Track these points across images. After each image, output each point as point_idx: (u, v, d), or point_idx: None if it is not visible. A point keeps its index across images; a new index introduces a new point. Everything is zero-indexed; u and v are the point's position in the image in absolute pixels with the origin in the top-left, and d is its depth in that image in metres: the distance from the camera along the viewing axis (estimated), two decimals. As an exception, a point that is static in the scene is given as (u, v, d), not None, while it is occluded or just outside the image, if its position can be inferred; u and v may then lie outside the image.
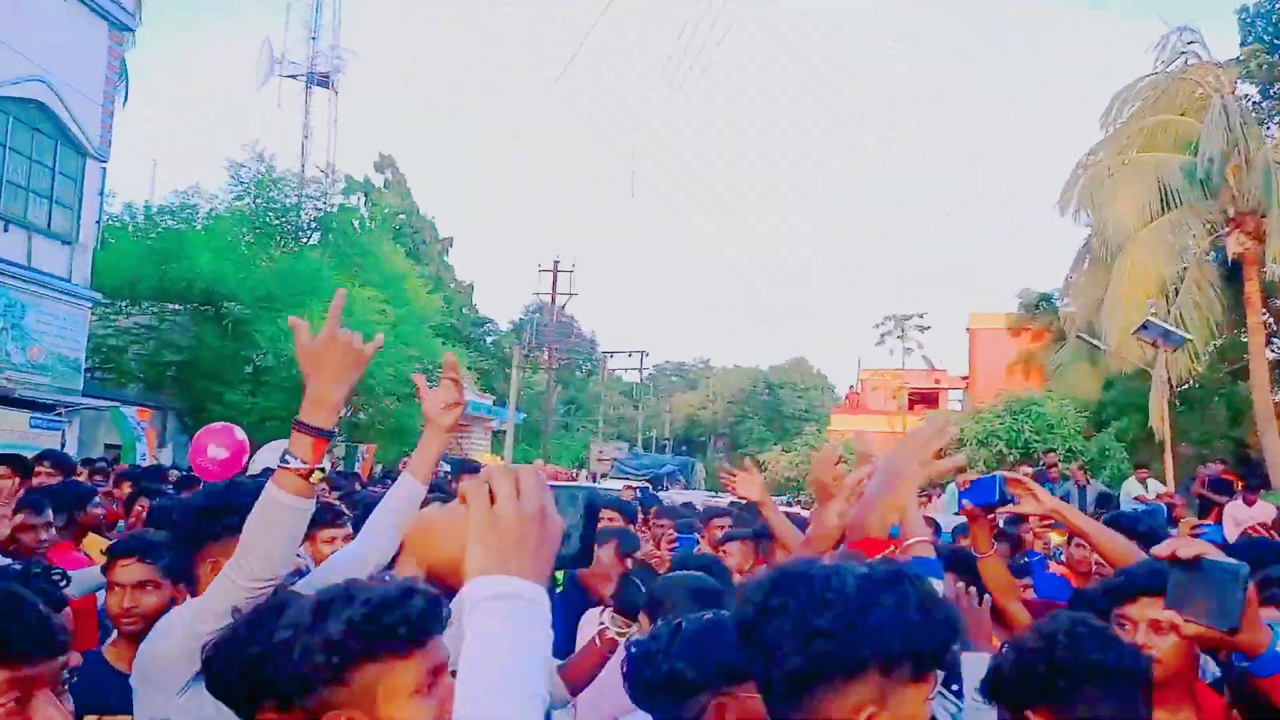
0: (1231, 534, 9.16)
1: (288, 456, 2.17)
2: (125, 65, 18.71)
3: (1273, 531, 8.21)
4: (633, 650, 1.96)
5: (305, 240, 26.44)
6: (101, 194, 17.65)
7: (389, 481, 7.86)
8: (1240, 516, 10.04)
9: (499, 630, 1.16)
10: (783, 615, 1.26)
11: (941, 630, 1.30)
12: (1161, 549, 1.78)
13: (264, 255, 22.62)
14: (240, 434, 8.36)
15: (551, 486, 1.34)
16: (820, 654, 1.23)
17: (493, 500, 1.24)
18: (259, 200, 25.50)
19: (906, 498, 1.85)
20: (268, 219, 25.57)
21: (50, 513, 4.41)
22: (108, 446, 16.32)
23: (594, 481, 26.87)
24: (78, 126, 16.53)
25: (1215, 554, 1.74)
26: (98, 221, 17.66)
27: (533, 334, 40.57)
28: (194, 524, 2.60)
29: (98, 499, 5.83)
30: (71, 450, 14.78)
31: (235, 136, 76.15)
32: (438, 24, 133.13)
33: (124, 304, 20.44)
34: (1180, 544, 1.76)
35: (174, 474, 8.63)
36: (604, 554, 4.14)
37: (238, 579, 2.13)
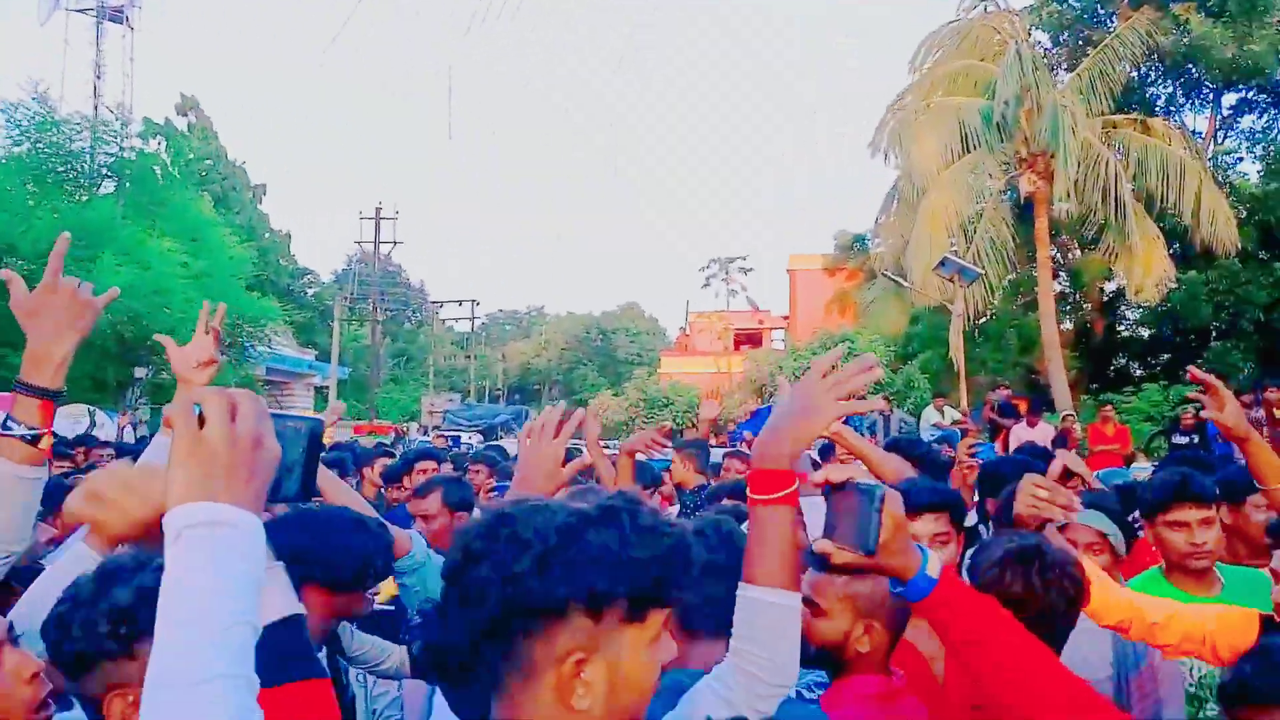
0: (1014, 453, 9.90)
1: (10, 422, 2.01)
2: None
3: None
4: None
5: (97, 189, 24.45)
6: None
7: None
8: (1023, 437, 10.88)
9: (199, 560, 1.08)
10: (484, 560, 1.19)
11: (658, 567, 1.21)
12: (817, 475, 1.72)
13: (49, 205, 20.82)
14: None
15: (273, 415, 1.26)
16: (516, 598, 1.17)
17: (203, 424, 1.15)
18: (40, 145, 23.35)
19: (819, 432, 1.68)
20: (52, 165, 23.46)
21: None
22: None
23: (425, 434, 26.39)
24: None
25: (864, 478, 1.68)
26: None
27: (355, 284, 39.27)
28: None
29: None
30: None
31: (15, 77, 69.46)
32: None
33: (-116, 262, 18.45)
34: (832, 469, 1.70)
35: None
36: (429, 504, 4.03)
37: None
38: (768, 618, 1.56)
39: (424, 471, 5.70)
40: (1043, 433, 11.14)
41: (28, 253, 18.32)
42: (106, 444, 8.66)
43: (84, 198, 23.30)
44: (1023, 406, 12.68)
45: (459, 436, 20.14)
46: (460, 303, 51.37)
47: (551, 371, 67.47)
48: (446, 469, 6.31)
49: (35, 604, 1.93)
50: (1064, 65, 24.14)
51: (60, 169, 23.53)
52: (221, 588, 1.08)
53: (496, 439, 22.54)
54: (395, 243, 37.45)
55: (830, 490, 1.70)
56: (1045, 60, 22.46)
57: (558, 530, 1.20)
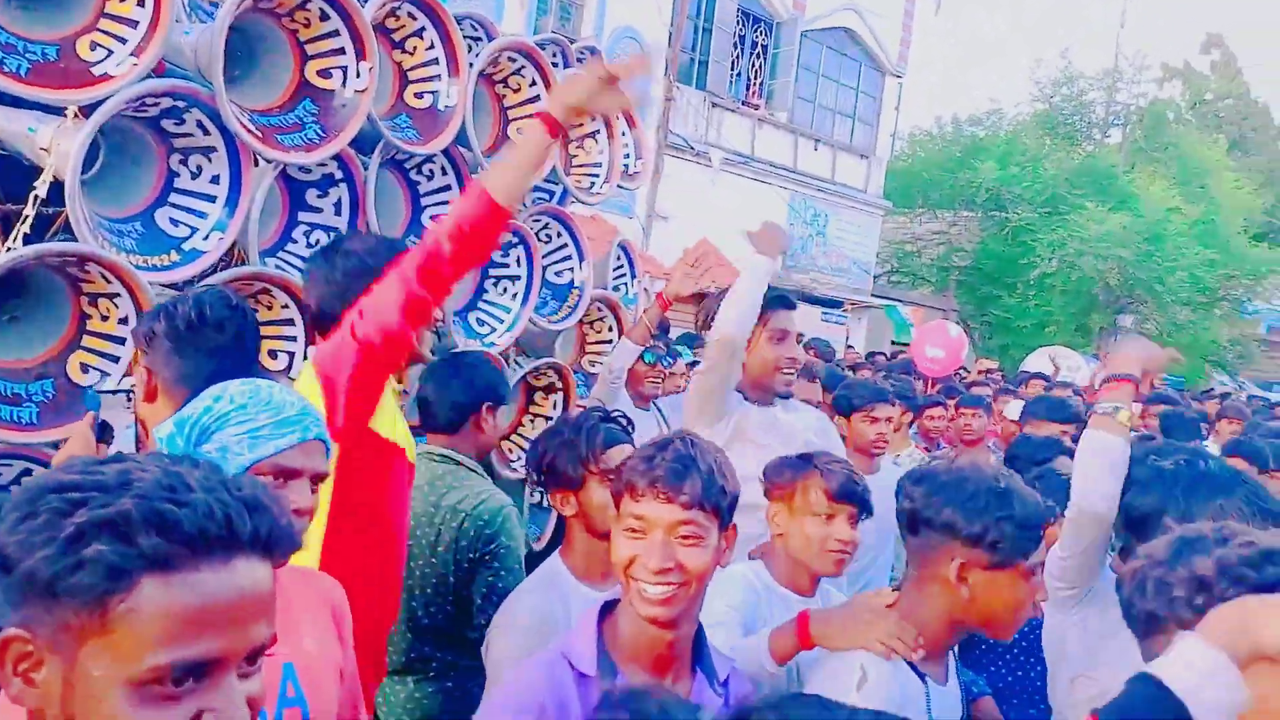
0: None
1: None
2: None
3: None
4: None
5: (1105, 138, 24.98)
6: (897, 109, 18.91)
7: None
8: None
9: None
10: None
11: None
12: None
13: (1056, 157, 21.95)
14: (955, 331, 8.40)
15: None
16: None
17: None
18: (1055, 100, 24.80)
19: None
20: (1065, 118, 24.73)
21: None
22: (894, 343, 17.79)
23: None
24: (879, 46, 17.89)
25: None
26: (892, 135, 19.04)
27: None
28: None
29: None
30: (859, 344, 16.48)
31: (1048, 38, 74.43)
32: None
33: (918, 211, 21.75)
34: None
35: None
36: None
37: None
38: None
39: None
40: None
41: (1033, 200, 19.68)
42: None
43: (1090, 148, 23.96)
44: None
45: None
46: None
47: None
48: None
49: None
50: None
51: (1071, 121, 24.57)
52: None
53: None
54: None
55: None
56: None
57: None
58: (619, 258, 4.42)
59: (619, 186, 4.13)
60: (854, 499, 2.17)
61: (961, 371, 8.68)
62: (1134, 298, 19.67)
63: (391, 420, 2.04)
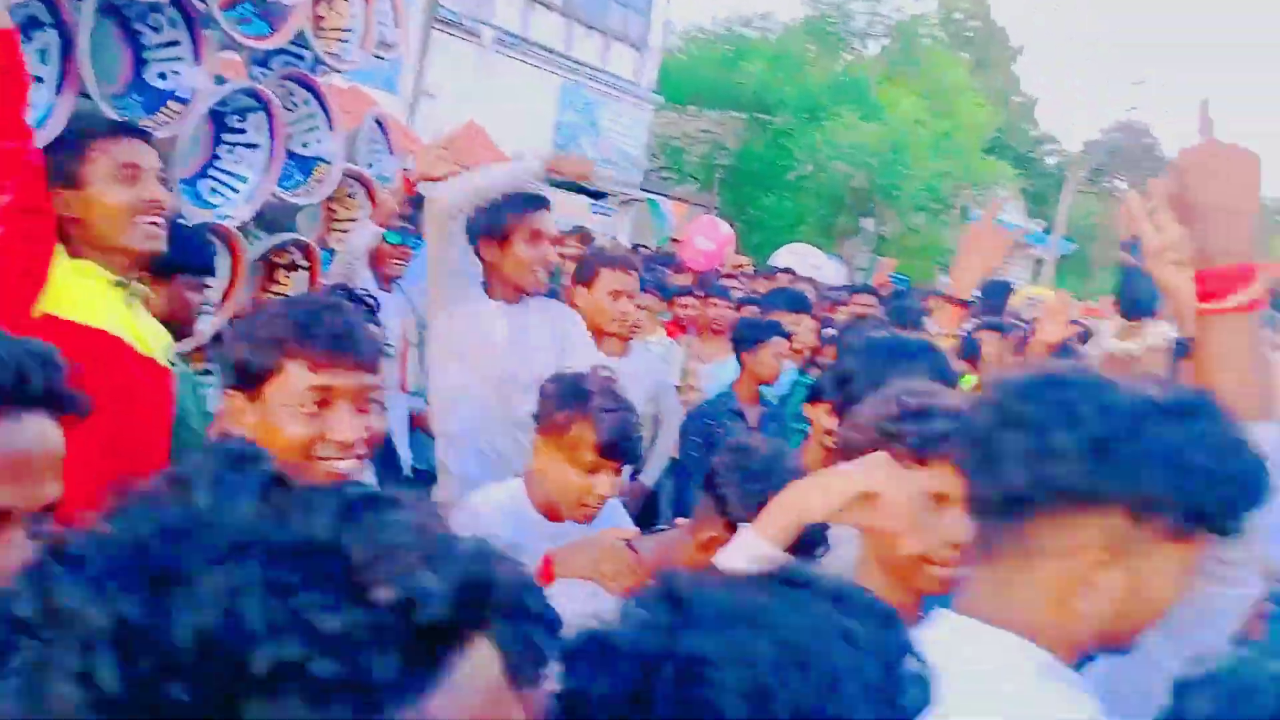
0: None
1: None
2: None
3: None
4: None
5: (863, 49, 26.25)
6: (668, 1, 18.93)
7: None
8: None
9: None
10: (1020, 427, 1.05)
11: (1233, 488, 1.02)
12: None
13: (821, 65, 22.81)
14: (725, 229, 8.77)
15: None
16: (1049, 477, 1.02)
17: None
18: (822, 6, 25.71)
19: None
20: (830, 26, 25.70)
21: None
22: (662, 243, 18.19)
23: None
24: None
25: None
26: (664, 25, 19.16)
27: (1102, 155, 36.33)
28: None
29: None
30: (624, 237, 16.76)
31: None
32: None
33: (689, 109, 22.09)
34: None
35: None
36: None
37: None
38: None
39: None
40: None
41: (792, 106, 20.49)
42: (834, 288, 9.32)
43: (850, 58, 25.11)
44: None
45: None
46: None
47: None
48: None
49: None
50: None
51: (835, 30, 25.58)
52: None
53: None
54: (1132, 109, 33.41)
55: None
56: None
57: (1125, 413, 1.04)
58: (374, 131, 4.26)
59: (375, 55, 3.95)
60: (621, 456, 2.10)
61: (718, 268, 9.09)
62: (876, 203, 21.07)
63: (92, 304, 1.94)
